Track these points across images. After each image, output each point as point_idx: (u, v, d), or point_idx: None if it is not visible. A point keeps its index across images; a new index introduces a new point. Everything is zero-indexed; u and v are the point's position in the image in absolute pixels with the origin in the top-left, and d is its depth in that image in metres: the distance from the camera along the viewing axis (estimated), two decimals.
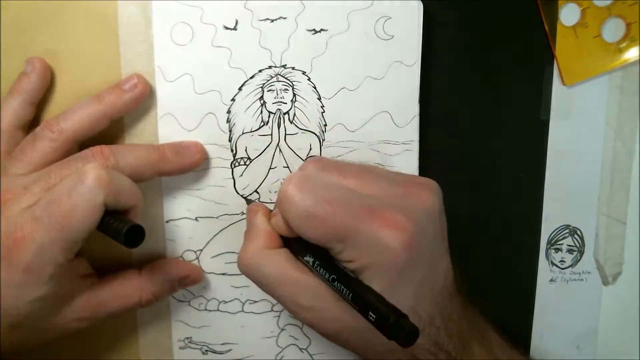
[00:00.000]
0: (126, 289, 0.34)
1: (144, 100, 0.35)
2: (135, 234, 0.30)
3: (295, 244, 0.31)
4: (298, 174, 0.31)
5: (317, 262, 0.29)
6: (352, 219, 0.28)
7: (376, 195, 0.30)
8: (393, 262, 0.28)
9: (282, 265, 0.31)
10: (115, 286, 0.34)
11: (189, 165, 0.35)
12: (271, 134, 0.37)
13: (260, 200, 0.37)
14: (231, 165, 0.37)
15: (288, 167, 0.37)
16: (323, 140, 0.37)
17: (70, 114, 0.33)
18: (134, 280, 0.35)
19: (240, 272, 0.38)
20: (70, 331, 0.33)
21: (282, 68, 0.36)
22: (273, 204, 0.37)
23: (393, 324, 0.25)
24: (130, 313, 0.35)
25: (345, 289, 0.28)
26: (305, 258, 0.30)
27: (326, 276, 0.29)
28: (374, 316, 0.26)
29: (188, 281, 0.37)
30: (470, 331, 0.33)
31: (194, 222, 0.37)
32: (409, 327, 0.25)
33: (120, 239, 0.29)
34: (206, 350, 0.39)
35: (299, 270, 0.31)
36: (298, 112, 0.37)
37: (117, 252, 0.37)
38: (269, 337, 0.39)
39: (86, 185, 0.29)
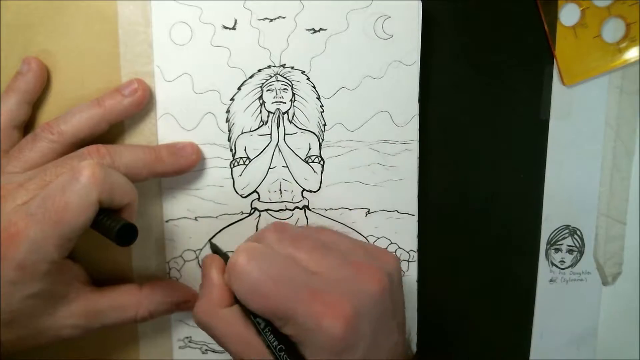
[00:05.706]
0: (124, 301, 0.34)
1: (144, 105, 0.35)
2: (128, 233, 0.29)
3: (245, 306, 0.31)
4: (249, 245, 0.30)
5: (267, 327, 0.29)
6: (293, 300, 0.28)
7: (324, 274, 0.30)
8: (330, 345, 0.28)
9: (233, 325, 0.30)
10: (114, 296, 0.34)
11: (185, 166, 0.35)
12: (270, 134, 0.37)
13: (260, 200, 0.37)
14: (230, 165, 0.37)
15: (287, 166, 0.37)
16: (322, 139, 0.37)
17: (70, 117, 0.33)
18: (134, 294, 0.35)
19: None
20: (62, 337, 0.32)
21: (281, 67, 0.36)
22: (273, 204, 0.38)
23: None
24: (123, 326, 0.35)
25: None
26: (255, 320, 0.30)
27: (272, 342, 0.29)
28: None
29: (187, 306, 0.37)
30: None
31: (193, 222, 0.37)
32: None
33: (112, 237, 0.29)
34: (206, 350, 0.39)
35: (249, 330, 0.30)
36: (297, 112, 0.37)
37: (116, 257, 0.37)
38: None
39: (80, 182, 0.29)
